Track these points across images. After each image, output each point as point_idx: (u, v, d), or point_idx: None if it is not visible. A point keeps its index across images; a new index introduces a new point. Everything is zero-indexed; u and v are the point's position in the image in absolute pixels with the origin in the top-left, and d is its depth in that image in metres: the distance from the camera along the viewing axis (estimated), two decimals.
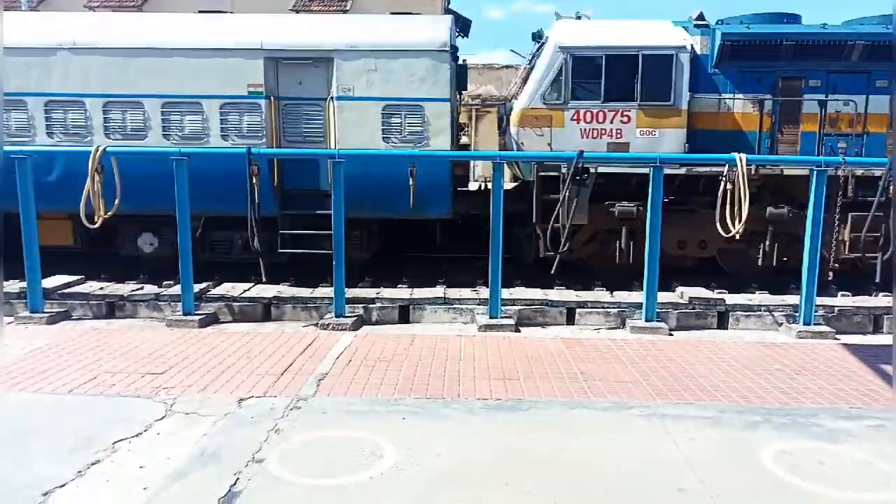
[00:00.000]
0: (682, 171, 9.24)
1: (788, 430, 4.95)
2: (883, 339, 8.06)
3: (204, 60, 9.47)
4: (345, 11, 20.56)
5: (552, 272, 8.64)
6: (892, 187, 7.69)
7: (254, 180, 8.16)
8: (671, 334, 7.94)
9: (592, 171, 9.08)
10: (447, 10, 22.96)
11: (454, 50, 9.65)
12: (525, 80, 10.60)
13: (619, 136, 9.49)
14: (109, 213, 8.00)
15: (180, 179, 7.99)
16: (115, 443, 4.61)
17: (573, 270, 9.98)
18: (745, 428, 5.00)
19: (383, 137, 9.53)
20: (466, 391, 5.71)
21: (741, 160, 7.65)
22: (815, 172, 7.77)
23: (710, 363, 6.62)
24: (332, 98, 9.55)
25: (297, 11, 20.29)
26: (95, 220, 7.97)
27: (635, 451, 4.59)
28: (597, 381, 6.03)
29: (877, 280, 8.22)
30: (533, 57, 10.74)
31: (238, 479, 4.11)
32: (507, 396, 5.60)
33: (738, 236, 7.83)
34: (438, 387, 5.81)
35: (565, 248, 8.36)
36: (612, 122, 9.49)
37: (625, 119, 9.47)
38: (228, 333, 7.64)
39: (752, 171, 8.20)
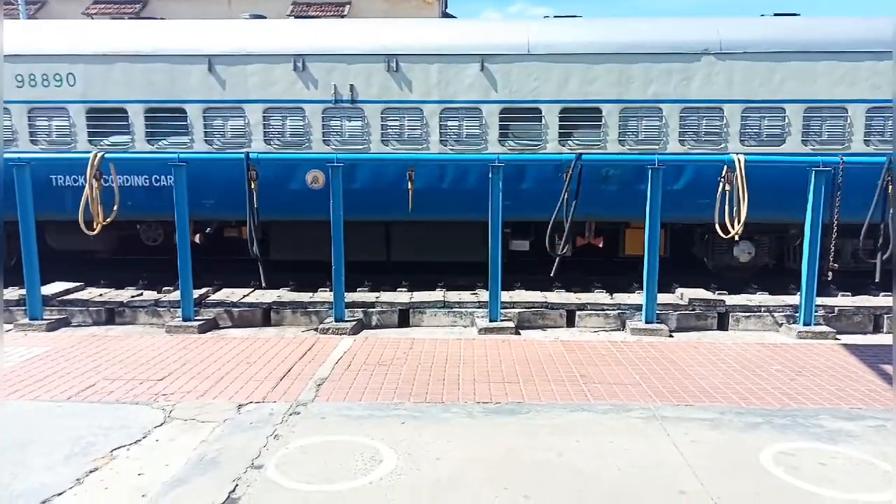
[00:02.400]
0: None
1: (789, 431, 4.94)
2: (883, 338, 8.05)
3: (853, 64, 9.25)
4: (343, 16, 20.59)
5: (552, 274, 8.63)
6: (890, 186, 7.68)
7: (252, 185, 8.16)
8: (671, 336, 7.93)
9: None
10: (444, 14, 23.02)
11: None
12: None
13: None
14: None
15: (179, 184, 8.00)
16: (113, 450, 4.60)
17: (572, 272, 9.98)
18: (746, 429, 4.99)
19: None
20: (466, 395, 5.70)
21: (739, 161, 7.66)
22: (813, 173, 7.77)
23: (710, 364, 6.60)
24: None
25: (296, 17, 20.31)
26: (94, 225, 8.00)
27: (635, 453, 4.58)
28: (597, 383, 6.02)
29: (876, 280, 8.20)
30: None
31: (237, 485, 4.10)
32: (506, 400, 5.59)
33: (736, 237, 7.84)
34: (438, 391, 5.80)
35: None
36: None
37: None
38: (228, 339, 7.64)
39: None
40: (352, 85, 9.56)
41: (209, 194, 9.43)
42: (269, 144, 9.72)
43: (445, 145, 9.67)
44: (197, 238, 10.49)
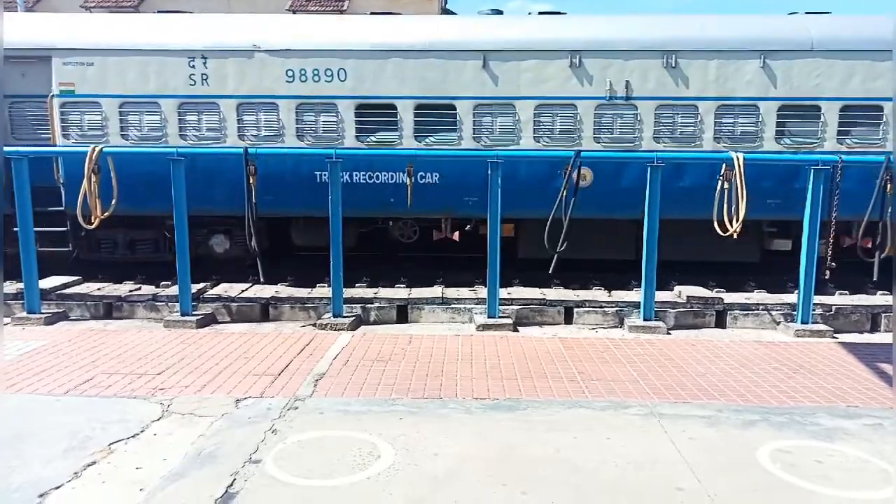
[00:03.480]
0: None
1: (786, 429, 4.95)
2: (880, 337, 8.07)
3: None
4: (342, 12, 20.55)
5: (550, 271, 8.63)
6: (888, 185, 7.67)
7: (251, 180, 8.14)
8: (669, 333, 7.94)
9: None
10: (444, 10, 22.99)
11: None
12: None
13: None
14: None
15: (177, 180, 7.97)
16: (111, 444, 4.60)
17: (571, 269, 9.98)
18: (743, 427, 5.00)
19: None
20: (464, 391, 5.70)
21: (738, 159, 7.66)
22: (812, 171, 7.77)
23: (708, 362, 6.61)
24: None
25: (294, 12, 20.28)
26: (90, 220, 7.99)
27: (633, 450, 4.58)
28: (594, 380, 6.02)
29: (874, 278, 8.20)
30: None
31: (235, 479, 4.10)
32: (504, 396, 5.59)
33: (735, 235, 7.84)
34: (436, 387, 5.80)
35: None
36: None
37: None
38: (226, 334, 7.63)
39: None
40: (627, 81, 9.46)
41: (474, 191, 9.32)
42: (538, 142, 9.66)
43: (720, 142, 9.55)
44: (455, 236, 10.40)
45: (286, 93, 9.69)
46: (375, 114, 9.72)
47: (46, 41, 9.66)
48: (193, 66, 9.65)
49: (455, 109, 9.66)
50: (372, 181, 9.79)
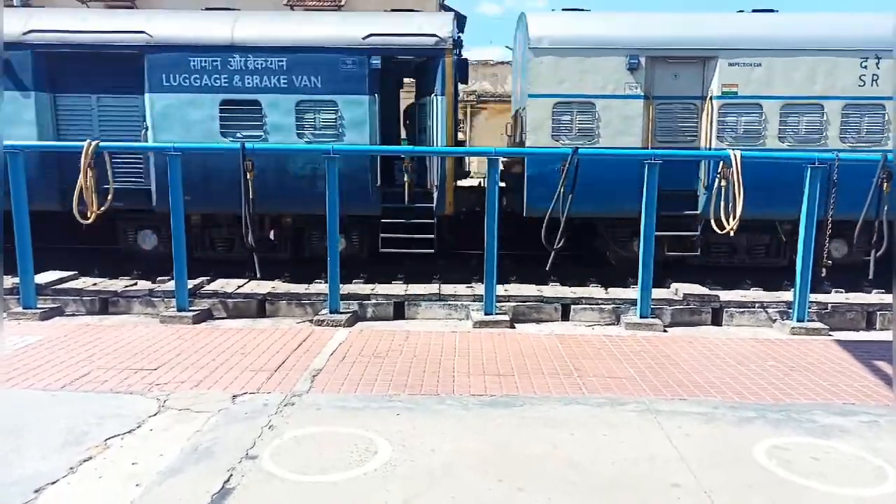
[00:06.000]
0: None
1: (782, 426, 4.96)
2: (875, 335, 8.10)
3: None
4: (339, 7, 20.49)
5: (547, 268, 8.63)
6: (884, 183, 7.69)
7: (248, 175, 8.11)
8: (666, 331, 7.95)
9: None
10: (442, 6, 22.93)
11: None
12: None
13: None
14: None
15: (173, 174, 7.95)
16: (107, 439, 4.59)
17: (568, 266, 9.99)
18: (739, 423, 5.01)
19: None
20: (461, 387, 5.71)
21: (735, 157, 7.67)
22: (808, 170, 7.78)
23: (705, 359, 6.63)
24: None
25: (292, 7, 20.22)
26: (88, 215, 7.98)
27: (629, 446, 4.59)
28: (591, 377, 6.03)
29: (870, 277, 8.23)
30: None
31: (231, 475, 4.10)
32: (501, 392, 5.60)
33: (731, 233, 7.86)
34: (433, 383, 5.80)
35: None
36: None
37: None
38: (222, 329, 7.62)
39: None
40: None
41: None
42: None
43: None
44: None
45: None
46: None
47: (716, 41, 9.56)
48: (865, 67, 9.44)
49: None
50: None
